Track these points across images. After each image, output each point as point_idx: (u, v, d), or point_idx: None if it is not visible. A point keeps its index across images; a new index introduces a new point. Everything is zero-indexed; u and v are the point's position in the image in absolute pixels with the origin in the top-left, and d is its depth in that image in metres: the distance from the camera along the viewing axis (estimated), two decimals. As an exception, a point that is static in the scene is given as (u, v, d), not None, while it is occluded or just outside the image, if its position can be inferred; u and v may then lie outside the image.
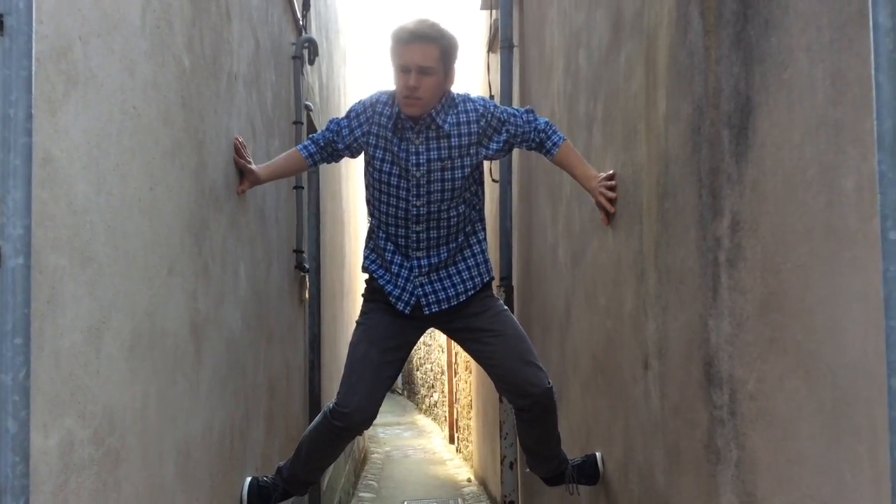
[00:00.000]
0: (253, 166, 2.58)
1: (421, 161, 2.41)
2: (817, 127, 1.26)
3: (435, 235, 2.48)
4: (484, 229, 2.63)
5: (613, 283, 2.53)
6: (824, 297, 1.23)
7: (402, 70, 2.32)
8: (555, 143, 2.54)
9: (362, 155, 2.60)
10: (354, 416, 2.43)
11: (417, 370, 16.01)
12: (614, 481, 2.58)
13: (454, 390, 10.76)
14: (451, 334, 2.66)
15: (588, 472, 2.71)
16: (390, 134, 2.43)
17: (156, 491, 1.68)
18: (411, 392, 17.07)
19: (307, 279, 4.36)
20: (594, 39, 2.77)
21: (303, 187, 4.16)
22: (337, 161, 2.68)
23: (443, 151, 2.41)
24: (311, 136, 2.67)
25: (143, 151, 1.66)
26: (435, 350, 13.61)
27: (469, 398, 9.00)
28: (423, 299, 2.48)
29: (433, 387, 13.71)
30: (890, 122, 0.91)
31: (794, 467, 1.29)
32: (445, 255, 2.50)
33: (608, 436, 2.65)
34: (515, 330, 2.56)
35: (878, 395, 1.05)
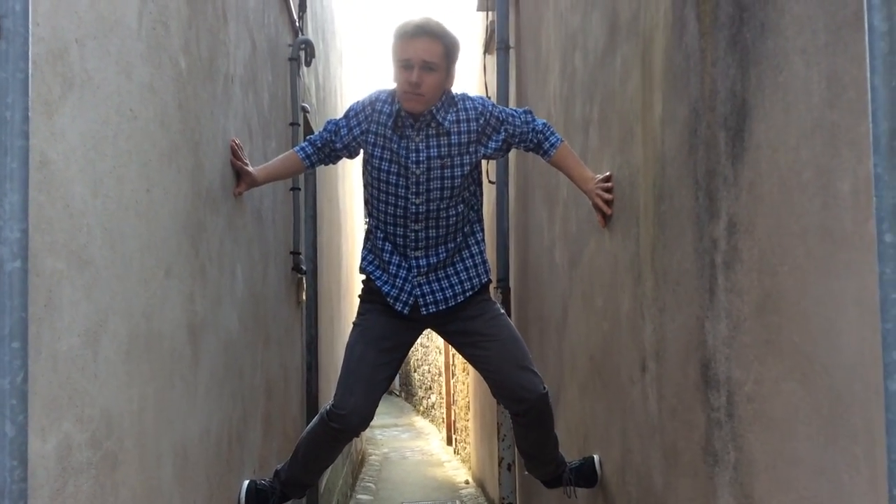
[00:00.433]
0: (250, 168, 2.57)
1: (421, 158, 2.40)
2: (813, 130, 1.26)
3: (434, 235, 2.47)
4: (482, 230, 2.63)
5: (610, 285, 2.53)
6: (820, 299, 1.23)
7: (405, 66, 2.31)
8: (552, 145, 2.54)
9: (360, 155, 2.60)
10: (351, 417, 2.42)
11: (415, 372, 16.00)
12: (612, 483, 2.58)
13: (452, 392, 10.76)
14: (448, 337, 2.66)
15: (586, 474, 2.71)
16: (390, 132, 2.42)
17: (153, 494, 1.68)
18: (409, 394, 17.07)
19: (304, 281, 4.36)
20: (590, 41, 2.77)
21: (299, 189, 4.16)
22: (335, 162, 2.67)
23: (443, 149, 2.41)
24: (308, 137, 2.66)
25: (139, 154, 1.66)
26: (432, 352, 13.61)
27: (467, 400, 9.00)
28: (421, 299, 2.47)
29: (431, 388, 13.71)
30: (885, 125, 0.91)
31: (792, 469, 1.29)
32: (444, 255, 2.49)
33: (606, 437, 2.66)
34: (511, 334, 2.55)
35: (875, 398, 1.05)
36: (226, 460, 2.39)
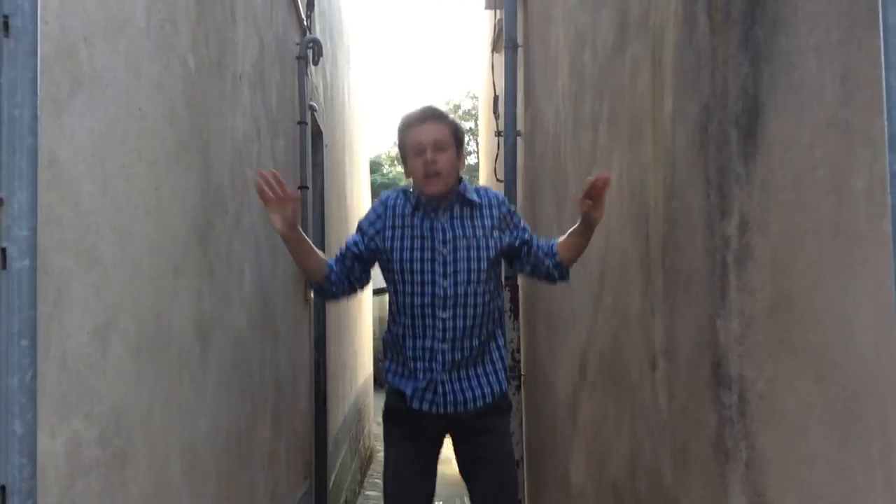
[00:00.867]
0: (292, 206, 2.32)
1: (447, 237, 2.42)
2: (827, 127, 1.25)
3: (461, 325, 2.44)
4: (504, 335, 2.64)
5: (620, 283, 2.52)
6: (834, 296, 1.22)
7: (418, 151, 2.35)
8: (551, 246, 2.60)
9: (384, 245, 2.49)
10: None
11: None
12: (621, 481, 2.57)
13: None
14: (454, 437, 2.62)
15: None
16: (413, 219, 2.43)
17: (162, 491, 1.68)
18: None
19: (312, 279, 4.35)
20: (600, 39, 2.76)
21: (307, 187, 4.16)
22: (354, 287, 2.54)
23: (467, 229, 2.43)
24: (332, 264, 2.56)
25: (148, 152, 1.66)
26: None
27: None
28: (442, 398, 2.46)
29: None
30: (902, 122, 0.90)
31: (805, 468, 1.28)
32: (468, 351, 2.47)
33: (615, 435, 2.65)
34: (508, 467, 2.58)
35: (891, 396, 1.04)
36: (235, 457, 2.39)
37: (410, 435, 2.51)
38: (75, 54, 1.30)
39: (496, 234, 2.47)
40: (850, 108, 1.18)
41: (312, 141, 4.62)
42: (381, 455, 9.69)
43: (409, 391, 2.47)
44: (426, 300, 2.42)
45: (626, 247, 2.42)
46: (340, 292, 2.51)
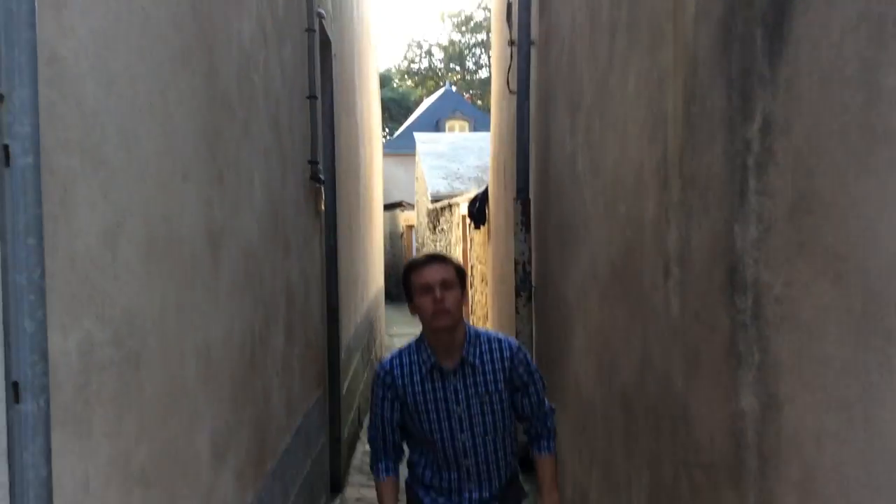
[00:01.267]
0: None
1: (460, 398, 2.50)
2: (858, 22, 1.19)
3: (485, 469, 2.56)
4: (514, 439, 2.69)
5: (635, 192, 2.48)
6: (858, 198, 1.18)
7: (425, 290, 2.43)
8: (548, 448, 2.64)
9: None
10: None
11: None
12: (630, 387, 2.60)
13: (470, 303, 10.86)
14: None
15: None
16: (426, 382, 2.50)
17: (178, 392, 1.70)
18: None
19: (322, 191, 4.33)
20: (619, -64, 2.64)
21: (316, 97, 4.08)
22: (405, 438, 2.65)
23: (479, 387, 2.50)
24: (373, 449, 2.63)
25: (152, 54, 1.61)
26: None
27: (485, 311, 9.08)
28: None
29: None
30: (944, 6, 0.84)
31: (819, 370, 1.28)
32: (497, 487, 2.58)
33: (626, 343, 2.66)
34: None
35: (912, 297, 1.02)
36: (249, 362, 2.42)
37: None
38: (71, -56, 1.24)
39: (506, 385, 2.52)
40: (884, 1, 1.12)
41: (321, 50, 4.52)
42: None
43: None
44: (449, 453, 2.53)
45: (642, 154, 2.37)
46: (402, 454, 2.67)
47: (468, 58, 46.66)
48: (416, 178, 23.90)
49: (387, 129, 39.31)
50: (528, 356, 2.58)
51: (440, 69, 47.96)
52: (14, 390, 1.00)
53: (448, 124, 34.18)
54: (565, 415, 4.12)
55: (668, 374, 2.12)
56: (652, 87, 2.26)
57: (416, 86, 46.79)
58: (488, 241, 9.65)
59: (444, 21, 57.81)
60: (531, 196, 5.32)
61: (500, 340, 2.55)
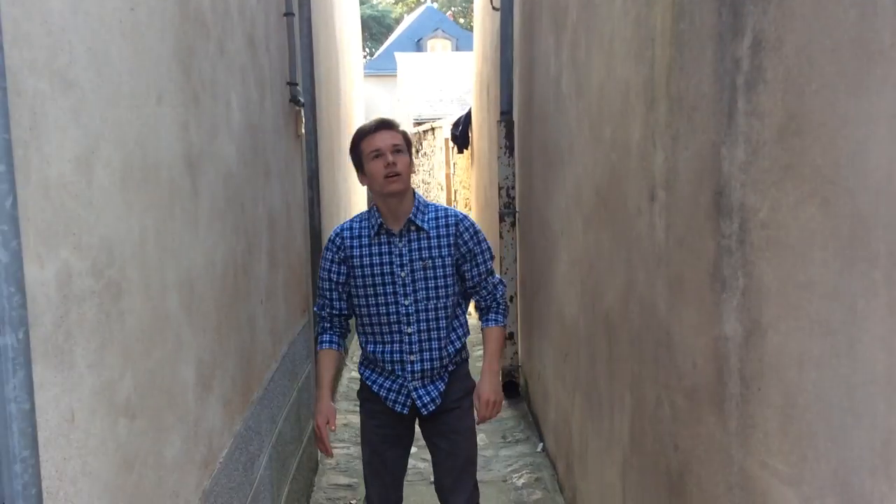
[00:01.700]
0: (324, 413, 2.63)
1: (405, 261, 2.57)
2: (855, -68, 1.14)
3: (426, 338, 2.61)
4: (465, 312, 2.76)
5: (620, 114, 2.45)
6: (849, 118, 1.16)
7: (376, 155, 2.51)
8: (496, 321, 2.72)
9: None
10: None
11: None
12: (614, 312, 2.61)
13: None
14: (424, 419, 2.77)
15: None
16: (374, 246, 2.59)
17: (161, 322, 1.69)
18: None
19: (302, 113, 4.24)
20: None
21: (293, 14, 3.96)
22: (352, 315, 2.73)
23: (423, 251, 2.57)
24: (319, 321, 2.74)
25: (119, -33, 1.53)
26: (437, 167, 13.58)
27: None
28: (419, 401, 2.64)
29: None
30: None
31: (804, 295, 1.28)
32: (437, 362, 2.63)
33: (610, 268, 2.66)
34: (468, 444, 2.74)
35: (901, 220, 1.01)
36: (232, 291, 2.40)
37: (386, 410, 2.70)
38: None
39: (451, 251, 2.60)
40: (884, -89, 1.07)
41: (298, -34, 4.35)
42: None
43: (382, 394, 2.67)
44: (392, 318, 2.60)
45: (628, 74, 2.33)
46: (347, 330, 2.78)
47: (450, -27, 45.37)
48: (398, 100, 23.55)
49: (367, 49, 38.45)
50: (476, 227, 2.67)
51: (421, -16, 46.63)
52: (-9, 322, 0.98)
53: (430, 43, 33.51)
54: (548, 341, 4.17)
55: (652, 300, 2.13)
56: (639, 3, 2.20)
57: (397, 2, 45.58)
58: (471, 166, 9.59)
59: (425, -66, 55.93)
60: (515, 118, 5.25)
61: (446, 209, 2.66)
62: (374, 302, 2.61)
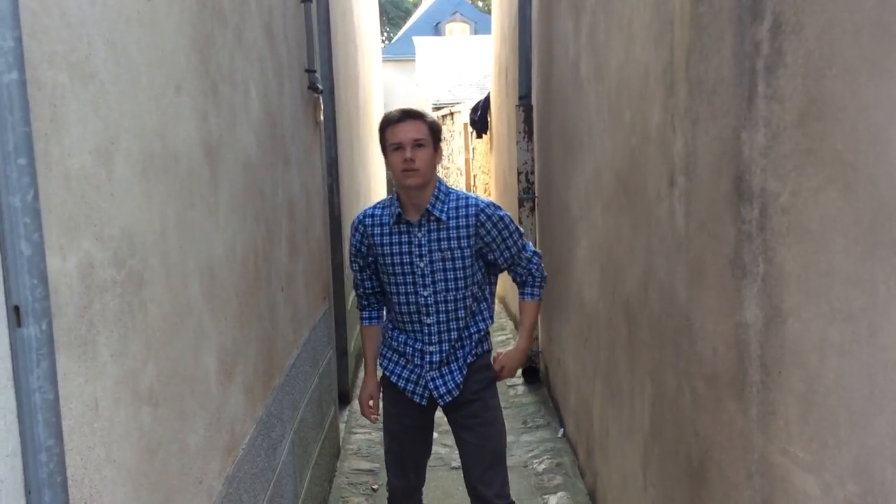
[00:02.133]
0: (367, 391, 2.81)
1: (423, 251, 2.57)
2: (879, -89, 1.12)
3: (445, 329, 2.63)
4: (492, 295, 2.76)
5: (640, 98, 2.43)
6: (870, 102, 1.14)
7: (397, 148, 2.50)
8: (530, 294, 2.74)
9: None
10: (409, 491, 2.82)
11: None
12: (634, 298, 2.61)
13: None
14: (447, 411, 2.78)
15: None
16: (394, 235, 2.60)
17: (182, 311, 1.71)
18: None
19: (321, 101, 4.25)
20: None
21: (311, 1, 3.95)
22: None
23: (442, 242, 2.56)
24: (357, 298, 2.85)
25: (136, -41, 1.54)
26: (455, 152, 13.54)
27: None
28: (436, 392, 2.67)
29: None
30: None
31: (824, 281, 1.27)
32: (456, 353, 2.66)
33: (629, 254, 2.65)
34: (497, 429, 2.71)
35: (924, 206, 1.00)
36: (253, 278, 2.42)
37: (403, 399, 2.74)
38: None
39: (471, 241, 2.57)
40: None
41: (315, -48, 4.34)
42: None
43: (401, 385, 2.70)
44: (412, 308, 2.62)
45: (648, 58, 2.31)
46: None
47: (468, -43, 45.02)
48: (417, 84, 23.49)
49: (385, 34, 38.35)
50: (500, 212, 2.62)
51: (439, -32, 46.30)
52: (16, 315, 0.99)
53: (448, 27, 33.33)
54: (568, 326, 4.16)
55: (672, 286, 2.12)
56: (659, -12, 2.18)
57: (415, -14, 45.38)
58: (490, 151, 9.56)
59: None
60: (534, 102, 5.23)
61: (468, 198, 2.62)
62: (395, 291, 2.64)
